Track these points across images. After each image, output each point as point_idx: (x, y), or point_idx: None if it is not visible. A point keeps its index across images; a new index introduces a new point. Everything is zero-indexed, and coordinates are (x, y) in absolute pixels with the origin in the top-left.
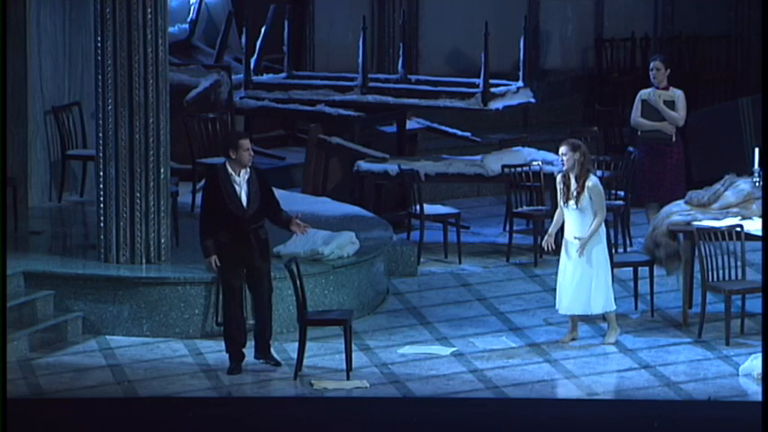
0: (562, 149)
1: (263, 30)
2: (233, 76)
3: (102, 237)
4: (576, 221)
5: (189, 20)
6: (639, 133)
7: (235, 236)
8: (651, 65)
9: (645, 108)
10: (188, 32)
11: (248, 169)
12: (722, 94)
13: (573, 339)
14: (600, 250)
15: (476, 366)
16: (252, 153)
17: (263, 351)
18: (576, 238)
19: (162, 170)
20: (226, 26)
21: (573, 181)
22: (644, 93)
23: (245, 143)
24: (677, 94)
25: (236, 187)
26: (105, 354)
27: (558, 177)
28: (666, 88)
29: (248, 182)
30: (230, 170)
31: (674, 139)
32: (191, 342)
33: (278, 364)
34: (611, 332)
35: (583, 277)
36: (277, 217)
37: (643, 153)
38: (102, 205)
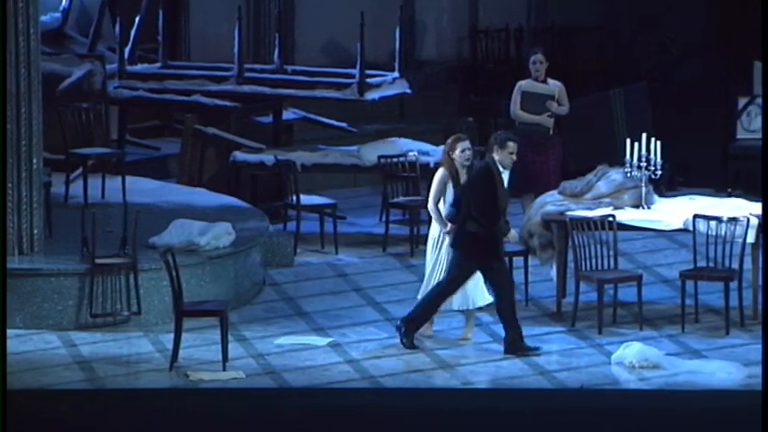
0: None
1: (137, 19)
2: (107, 66)
3: None
4: None
5: (61, 9)
6: (518, 125)
7: (495, 230)
8: (532, 58)
9: (525, 100)
10: (60, 21)
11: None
12: (594, 85)
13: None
14: None
15: (352, 357)
16: (515, 157)
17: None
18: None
19: (34, 160)
20: (99, 15)
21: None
22: (523, 84)
23: (514, 147)
24: (558, 86)
25: (504, 184)
26: None
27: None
28: (544, 81)
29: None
30: (500, 167)
31: (551, 132)
32: (64, 334)
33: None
34: (469, 328)
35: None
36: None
37: (522, 145)
38: None
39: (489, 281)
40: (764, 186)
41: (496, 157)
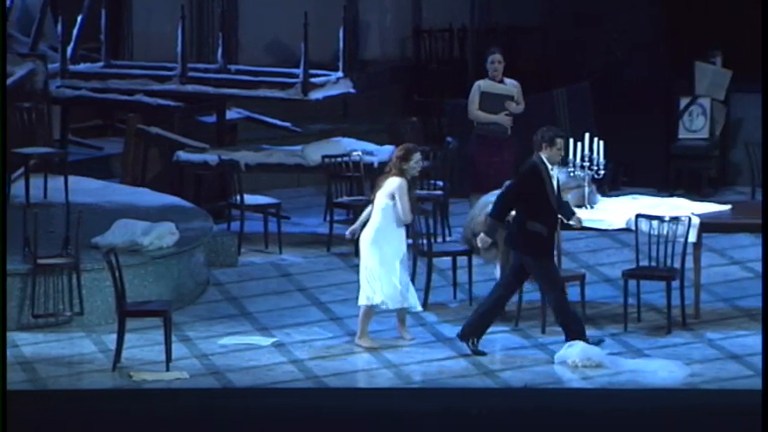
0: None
1: (79, 18)
2: (49, 65)
3: None
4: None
5: None
6: (476, 125)
7: (551, 228)
8: (490, 58)
9: (484, 100)
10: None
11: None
12: (537, 86)
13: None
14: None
15: (296, 357)
16: (563, 153)
17: None
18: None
19: None
20: (41, 14)
21: None
22: (482, 84)
23: (560, 142)
24: (516, 86)
25: (553, 181)
26: None
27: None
28: (501, 81)
29: (556, 177)
30: (548, 164)
31: (509, 132)
32: (6, 334)
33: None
34: (404, 327)
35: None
36: (563, 208)
37: (478, 146)
38: None
39: (538, 279)
40: (765, 186)
41: (544, 155)
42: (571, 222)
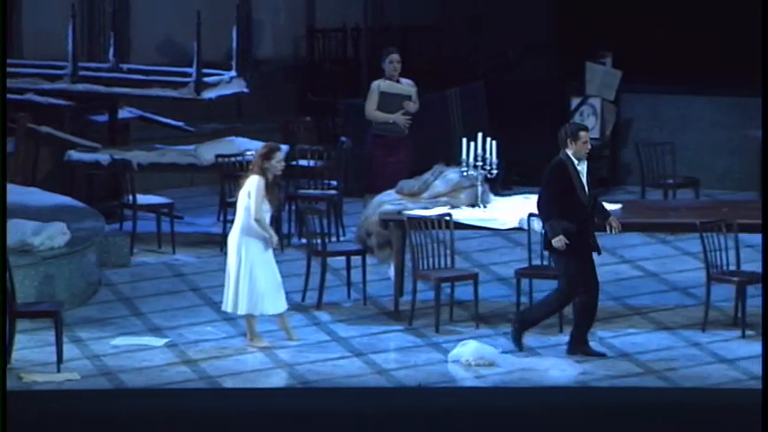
0: None
1: None
2: None
3: None
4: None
5: None
6: (373, 124)
7: (581, 224)
8: (388, 57)
9: (383, 100)
10: None
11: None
12: (431, 86)
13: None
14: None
15: (189, 357)
16: (589, 146)
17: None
18: None
19: None
20: None
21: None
22: (381, 84)
23: (586, 135)
24: (412, 85)
25: (582, 177)
26: None
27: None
28: (398, 81)
29: (586, 172)
30: (574, 160)
31: (407, 131)
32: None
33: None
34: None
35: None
36: (597, 207)
37: (375, 146)
38: None
39: (560, 276)
40: (764, 186)
41: (570, 150)
42: (610, 225)
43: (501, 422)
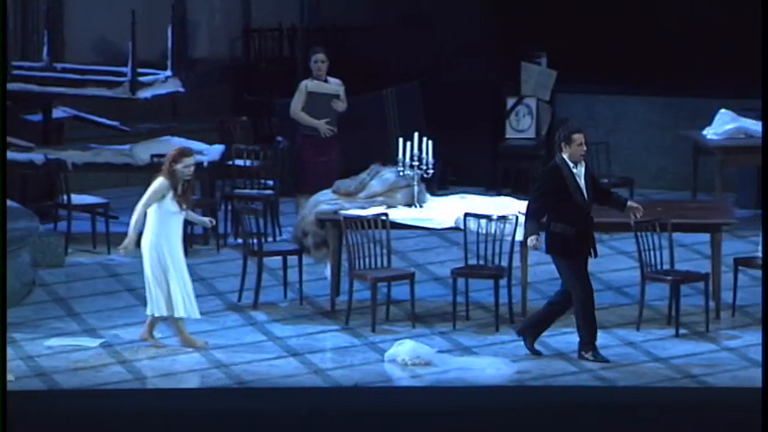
0: None
1: None
2: None
3: None
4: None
5: None
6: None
7: (579, 227)
8: (314, 57)
9: (311, 100)
10: None
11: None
12: (367, 85)
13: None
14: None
15: (125, 357)
16: (585, 148)
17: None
18: None
19: None
20: None
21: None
22: (309, 84)
23: (579, 137)
24: (339, 84)
25: (578, 180)
26: None
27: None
28: (325, 80)
29: (584, 174)
30: (570, 163)
31: (335, 130)
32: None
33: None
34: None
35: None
36: (611, 201)
37: (304, 145)
38: None
39: (562, 278)
40: (765, 186)
41: (565, 154)
42: (633, 212)
43: (437, 422)
